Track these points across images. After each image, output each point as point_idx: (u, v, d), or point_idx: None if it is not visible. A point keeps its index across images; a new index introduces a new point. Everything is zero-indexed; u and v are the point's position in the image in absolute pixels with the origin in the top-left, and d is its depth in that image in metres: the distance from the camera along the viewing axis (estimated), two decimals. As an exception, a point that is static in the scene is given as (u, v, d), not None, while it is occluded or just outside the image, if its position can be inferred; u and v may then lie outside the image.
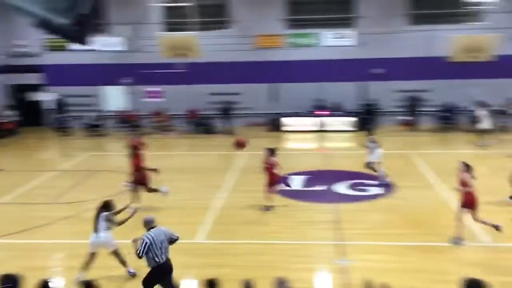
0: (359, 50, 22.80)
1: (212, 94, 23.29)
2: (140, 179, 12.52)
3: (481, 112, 18.71)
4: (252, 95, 23.63)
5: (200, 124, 23.02)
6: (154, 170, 12.78)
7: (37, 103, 24.78)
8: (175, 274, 7.91)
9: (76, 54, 23.44)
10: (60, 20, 3.43)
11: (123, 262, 9.07)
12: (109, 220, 8.86)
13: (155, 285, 7.69)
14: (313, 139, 21.26)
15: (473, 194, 9.79)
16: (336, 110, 22.88)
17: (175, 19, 22.41)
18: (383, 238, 10.57)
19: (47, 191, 14.38)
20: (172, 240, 7.87)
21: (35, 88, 24.74)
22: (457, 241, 9.99)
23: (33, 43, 23.78)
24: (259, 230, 11.19)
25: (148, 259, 7.59)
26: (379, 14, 22.55)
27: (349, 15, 23.26)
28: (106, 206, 8.98)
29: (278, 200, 13.23)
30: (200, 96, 23.49)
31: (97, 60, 23.57)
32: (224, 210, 12.58)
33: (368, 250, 10.09)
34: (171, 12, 22.63)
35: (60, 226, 11.70)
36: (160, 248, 7.58)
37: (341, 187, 14.11)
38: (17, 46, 24.24)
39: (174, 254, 10.00)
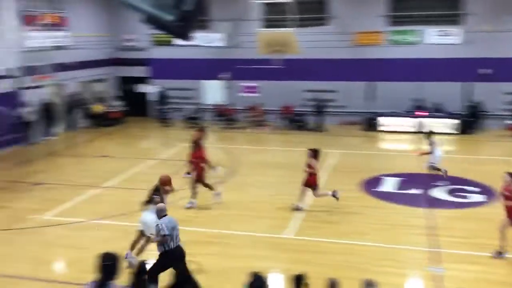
0: (465, 48, 21.54)
1: (307, 91, 23.24)
2: (198, 172, 12.54)
3: None
4: (348, 93, 23.24)
5: (294, 121, 23.09)
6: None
7: (142, 95, 26.30)
8: (262, 266, 8.01)
9: (179, 49, 24.54)
10: (166, 16, 3.62)
11: (133, 246, 9.19)
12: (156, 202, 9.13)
13: (161, 271, 7.83)
14: (411, 141, 20.47)
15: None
16: (436, 111, 21.84)
17: (274, 16, 22.61)
18: (480, 248, 9.95)
19: (147, 178, 15.16)
20: None
21: (141, 80, 26.27)
22: (497, 254, 9.48)
23: (140, 37, 25.24)
24: (347, 230, 11.03)
25: (159, 244, 7.82)
26: (488, 11, 21.13)
27: (456, 11, 22.06)
28: (158, 189, 9.32)
29: (369, 201, 12.96)
30: (295, 92, 23.56)
31: (198, 55, 24.49)
32: (313, 207, 12.51)
33: (463, 259, 9.56)
34: (270, 8, 22.87)
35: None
36: (171, 235, 7.79)
37: (439, 192, 13.47)
38: (127, 40, 25.86)
39: (262, 248, 10.20)
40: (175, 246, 7.88)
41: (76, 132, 22.75)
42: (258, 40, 20.66)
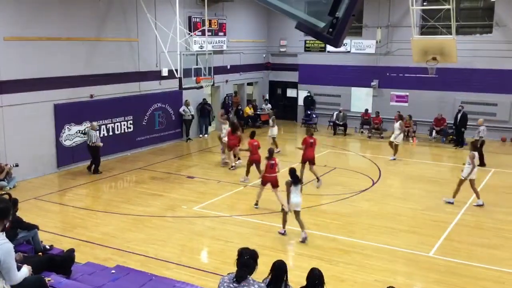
0: None
1: (464, 102, 21.70)
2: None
3: None
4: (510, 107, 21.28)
5: (446, 134, 21.71)
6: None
7: (290, 99, 26.97)
8: (401, 283, 7.69)
9: (328, 55, 24.67)
10: (318, 23, 3.67)
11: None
12: None
13: None
14: None
15: None
16: None
17: (432, 22, 21.54)
18: None
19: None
20: None
21: (290, 85, 26.94)
22: None
23: (293, 43, 25.87)
24: (502, 256, 10.07)
25: None
26: None
27: None
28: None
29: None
30: (448, 104, 22.20)
31: (347, 61, 24.35)
32: (460, 227, 11.69)
33: None
34: (427, 14, 21.81)
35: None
36: None
37: None
38: (281, 46, 26.70)
39: (402, 264, 9.76)
40: None
41: (228, 131, 24.10)
42: (413, 47, 19.80)
